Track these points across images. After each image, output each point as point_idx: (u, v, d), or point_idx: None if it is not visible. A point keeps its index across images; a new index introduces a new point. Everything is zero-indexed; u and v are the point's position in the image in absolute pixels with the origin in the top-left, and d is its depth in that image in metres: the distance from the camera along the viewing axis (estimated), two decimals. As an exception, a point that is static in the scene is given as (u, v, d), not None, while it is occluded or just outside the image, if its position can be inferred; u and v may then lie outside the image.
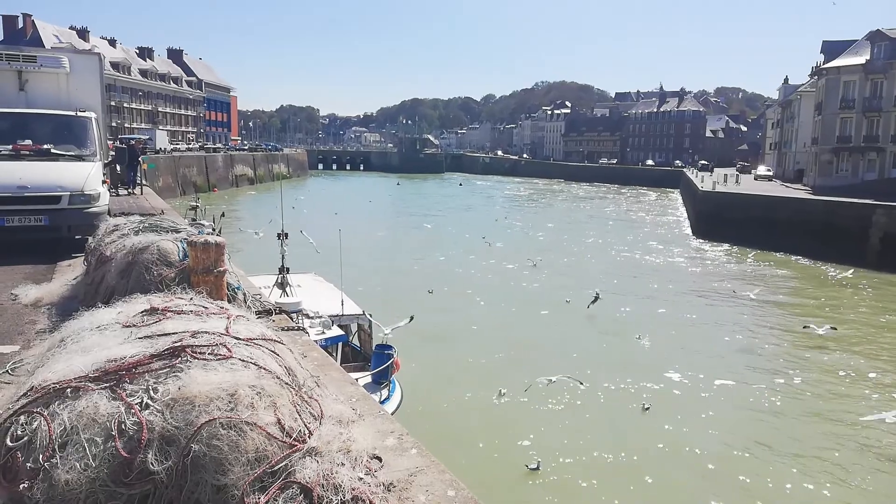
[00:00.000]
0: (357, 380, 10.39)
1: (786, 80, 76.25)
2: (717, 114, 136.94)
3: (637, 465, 11.74)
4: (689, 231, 45.90)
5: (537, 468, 11.22)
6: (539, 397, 14.37)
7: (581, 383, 14.06)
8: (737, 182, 53.81)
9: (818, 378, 16.52)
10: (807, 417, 14.23)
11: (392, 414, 10.66)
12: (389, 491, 2.81)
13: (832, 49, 53.37)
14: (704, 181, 53.22)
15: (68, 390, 2.63)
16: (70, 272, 8.31)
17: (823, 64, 53.81)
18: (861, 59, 48.76)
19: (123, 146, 22.96)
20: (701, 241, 40.51)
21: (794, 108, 65.29)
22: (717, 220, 40.76)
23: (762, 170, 68.85)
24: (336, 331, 11.86)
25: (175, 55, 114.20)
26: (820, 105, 53.18)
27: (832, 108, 50.69)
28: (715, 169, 79.00)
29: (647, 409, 13.91)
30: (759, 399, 15.05)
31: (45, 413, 2.53)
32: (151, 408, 2.58)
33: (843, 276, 29.19)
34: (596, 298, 21.73)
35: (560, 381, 14.47)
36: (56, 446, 2.42)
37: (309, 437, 2.80)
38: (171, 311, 3.47)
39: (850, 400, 15.20)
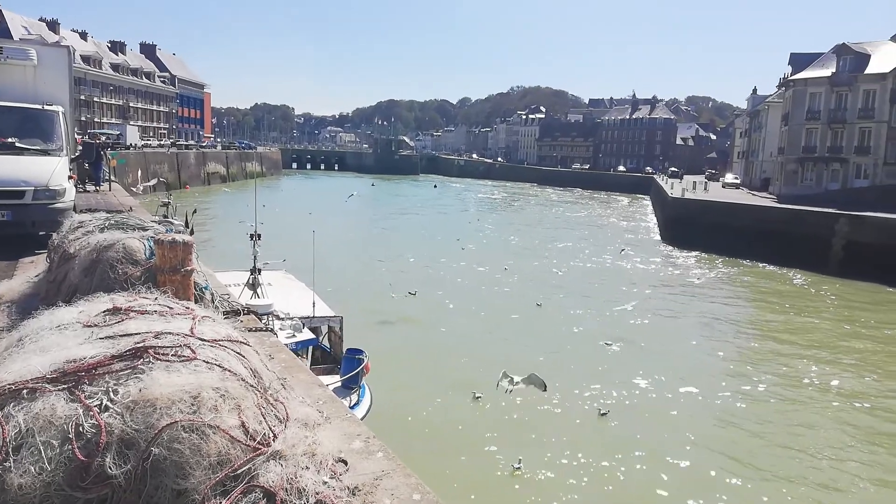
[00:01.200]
0: (328, 385, 10.36)
1: (754, 90, 77.84)
2: (687, 122, 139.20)
3: (602, 468, 11.85)
4: (658, 237, 46.57)
5: (520, 467, 11.35)
6: (511, 401, 14.41)
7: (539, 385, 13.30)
8: (705, 189, 54.76)
9: (781, 381, 16.89)
10: (767, 420, 14.50)
11: (362, 418, 10.61)
12: (354, 495, 2.80)
13: (799, 61, 54.65)
14: (674, 188, 54.03)
15: (24, 391, 2.56)
16: (32, 269, 8.12)
17: (791, 75, 55.05)
18: (827, 72, 50.02)
19: (91, 142, 22.48)
20: (670, 247, 41.12)
21: (762, 118, 66.66)
22: (686, 226, 41.41)
23: (730, 178, 70.16)
24: (307, 334, 11.78)
25: (148, 50, 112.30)
26: (787, 116, 54.40)
27: (798, 118, 51.89)
28: (684, 176, 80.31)
29: (604, 413, 14.01)
30: (722, 402, 15.33)
31: (0, 415, 2.46)
32: (111, 410, 2.52)
33: (807, 282, 29.91)
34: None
35: (531, 388, 14.56)
36: (10, 449, 2.35)
37: (273, 440, 2.77)
38: (135, 311, 3.40)
39: (811, 403, 15.56)
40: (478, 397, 14.46)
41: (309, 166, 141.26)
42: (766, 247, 35.27)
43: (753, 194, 53.69)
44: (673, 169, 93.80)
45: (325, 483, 2.67)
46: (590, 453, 12.31)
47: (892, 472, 12.35)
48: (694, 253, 38.06)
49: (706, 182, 62.55)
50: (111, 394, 2.59)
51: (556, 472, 11.63)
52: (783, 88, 59.83)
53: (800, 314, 24.81)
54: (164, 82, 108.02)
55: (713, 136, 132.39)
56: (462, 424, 13.47)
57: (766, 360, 18.90)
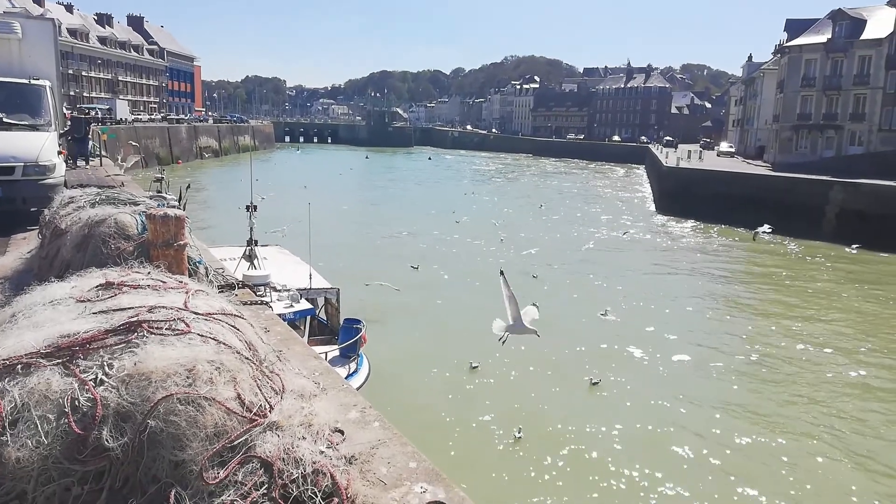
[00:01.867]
0: (325, 354, 10.42)
1: (749, 57, 77.09)
2: (682, 90, 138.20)
3: (597, 437, 12.02)
4: (653, 207, 46.53)
5: (521, 436, 11.46)
6: (510, 371, 14.52)
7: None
8: (700, 158, 54.60)
9: (774, 347, 17.04)
10: (763, 388, 14.68)
11: (359, 388, 10.71)
12: (351, 464, 2.82)
13: (795, 27, 54.09)
14: (669, 157, 53.87)
15: (19, 366, 2.56)
16: (25, 245, 8.09)
17: (786, 42, 54.54)
18: (822, 38, 49.55)
19: (80, 116, 22.21)
20: (665, 217, 41.14)
21: (757, 86, 66.22)
22: (680, 196, 41.39)
23: (725, 146, 69.94)
24: (304, 304, 11.83)
25: (135, 22, 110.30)
26: (782, 83, 54.04)
27: (793, 86, 51.55)
28: (679, 145, 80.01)
29: (596, 383, 14.03)
30: (715, 370, 15.46)
31: (-5, 390, 2.47)
32: (106, 384, 2.53)
33: (801, 250, 30.07)
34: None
35: (529, 357, 14.67)
36: (6, 424, 2.36)
37: (270, 411, 2.78)
38: (128, 286, 3.39)
39: (805, 368, 15.73)
40: (475, 367, 14.59)
41: (302, 139, 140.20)
42: (760, 215, 35.19)
43: (748, 163, 53.59)
44: (668, 138, 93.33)
45: (322, 452, 2.69)
46: (585, 423, 12.43)
47: (882, 425, 12.58)
48: (689, 222, 38.11)
49: (701, 151, 62.31)
50: (106, 368, 2.60)
51: (549, 441, 11.75)
52: (778, 55, 59.32)
53: (794, 281, 24.97)
54: (152, 55, 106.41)
55: (708, 105, 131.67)
56: (459, 394, 13.60)
57: (759, 327, 19.07)
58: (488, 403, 13.03)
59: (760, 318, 20.09)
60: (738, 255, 30.58)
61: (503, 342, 9.61)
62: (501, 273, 9.05)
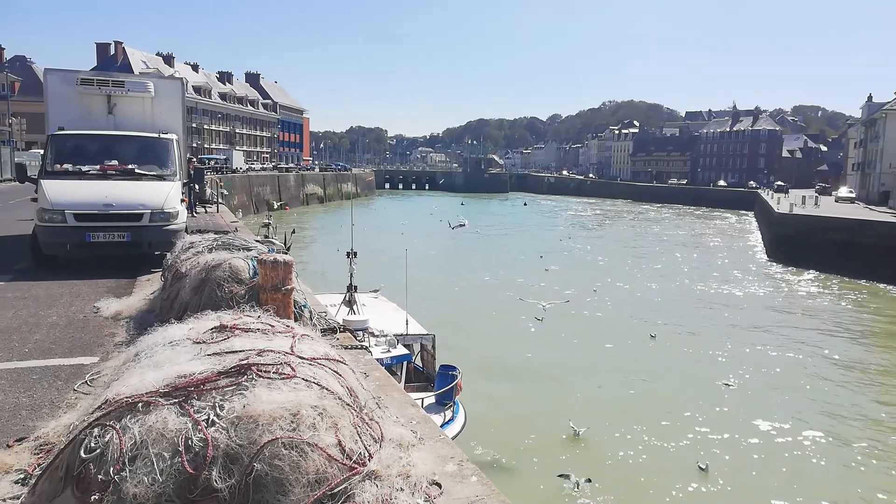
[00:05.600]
0: (421, 400, 10.43)
1: (869, 97, 72.56)
2: (794, 133, 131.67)
3: None
4: (764, 257, 43.83)
5: None
6: (614, 441, 13.65)
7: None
8: (816, 204, 51.38)
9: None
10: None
11: (456, 436, 10.58)
12: (449, 519, 2.76)
13: (922, 65, 50.50)
14: (780, 203, 51.10)
15: (140, 405, 2.70)
16: (149, 287, 8.69)
17: (912, 81, 50.95)
18: (955, 75, 45.95)
19: (200, 166, 23.95)
20: (777, 267, 38.66)
21: (879, 127, 62.03)
22: (794, 244, 38.94)
23: (844, 191, 65.59)
24: (401, 349, 11.95)
25: (252, 79, 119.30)
26: (908, 124, 50.33)
27: (922, 126, 47.89)
28: (791, 190, 75.86)
29: (704, 469, 12.42)
30: (860, 453, 13.52)
31: (118, 426, 2.60)
32: (217, 425, 2.61)
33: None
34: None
35: (639, 428, 13.84)
36: (126, 460, 2.47)
37: (369, 459, 2.77)
38: (239, 329, 3.53)
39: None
40: (577, 433, 13.65)
41: (401, 186, 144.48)
42: (888, 266, 32.47)
43: (871, 209, 49.84)
44: (779, 183, 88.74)
45: (420, 506, 2.64)
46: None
47: None
48: (806, 273, 35.47)
49: (817, 196, 58.70)
50: (217, 409, 2.68)
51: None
52: (903, 94, 55.43)
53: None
54: (266, 109, 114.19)
55: (824, 148, 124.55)
56: (558, 456, 12.87)
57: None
58: (589, 471, 12.11)
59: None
60: (875, 311, 27.34)
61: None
62: None
